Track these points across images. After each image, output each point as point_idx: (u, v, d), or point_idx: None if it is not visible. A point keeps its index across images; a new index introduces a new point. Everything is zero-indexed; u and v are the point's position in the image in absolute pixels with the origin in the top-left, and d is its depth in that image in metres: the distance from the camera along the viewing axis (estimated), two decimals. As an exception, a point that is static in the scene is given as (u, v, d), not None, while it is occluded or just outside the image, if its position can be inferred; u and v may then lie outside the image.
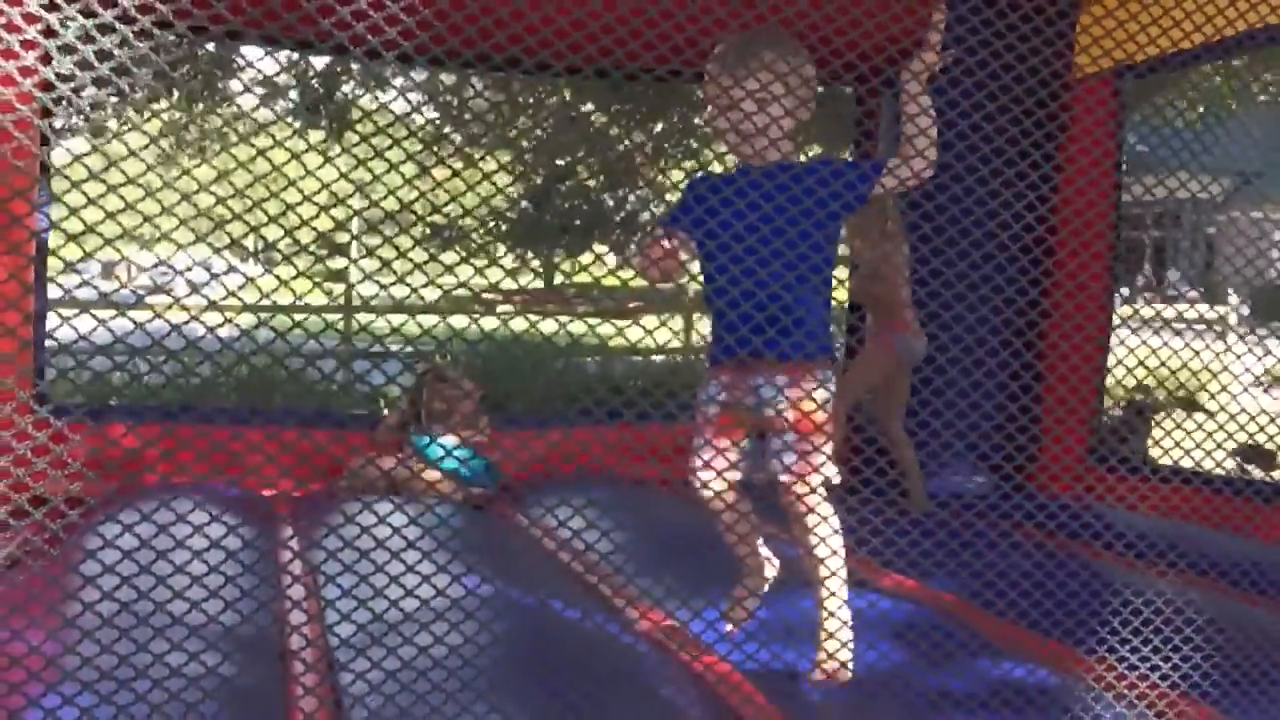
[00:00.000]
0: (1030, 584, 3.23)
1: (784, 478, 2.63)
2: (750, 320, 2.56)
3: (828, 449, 2.64)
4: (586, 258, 13.50)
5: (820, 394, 2.62)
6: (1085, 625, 3.13)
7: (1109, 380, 5.81)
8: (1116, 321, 5.58)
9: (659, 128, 12.56)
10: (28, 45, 1.66)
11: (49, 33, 1.73)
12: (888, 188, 2.58)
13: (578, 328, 10.78)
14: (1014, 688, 2.65)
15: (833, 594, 2.68)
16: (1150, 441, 6.84)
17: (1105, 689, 2.73)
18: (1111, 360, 5.72)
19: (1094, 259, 5.52)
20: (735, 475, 2.71)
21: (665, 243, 2.61)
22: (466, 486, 5.18)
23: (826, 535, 2.66)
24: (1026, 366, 4.99)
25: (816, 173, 2.57)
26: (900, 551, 3.99)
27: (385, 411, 5.73)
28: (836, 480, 2.67)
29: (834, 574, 2.67)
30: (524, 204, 12.82)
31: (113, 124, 9.94)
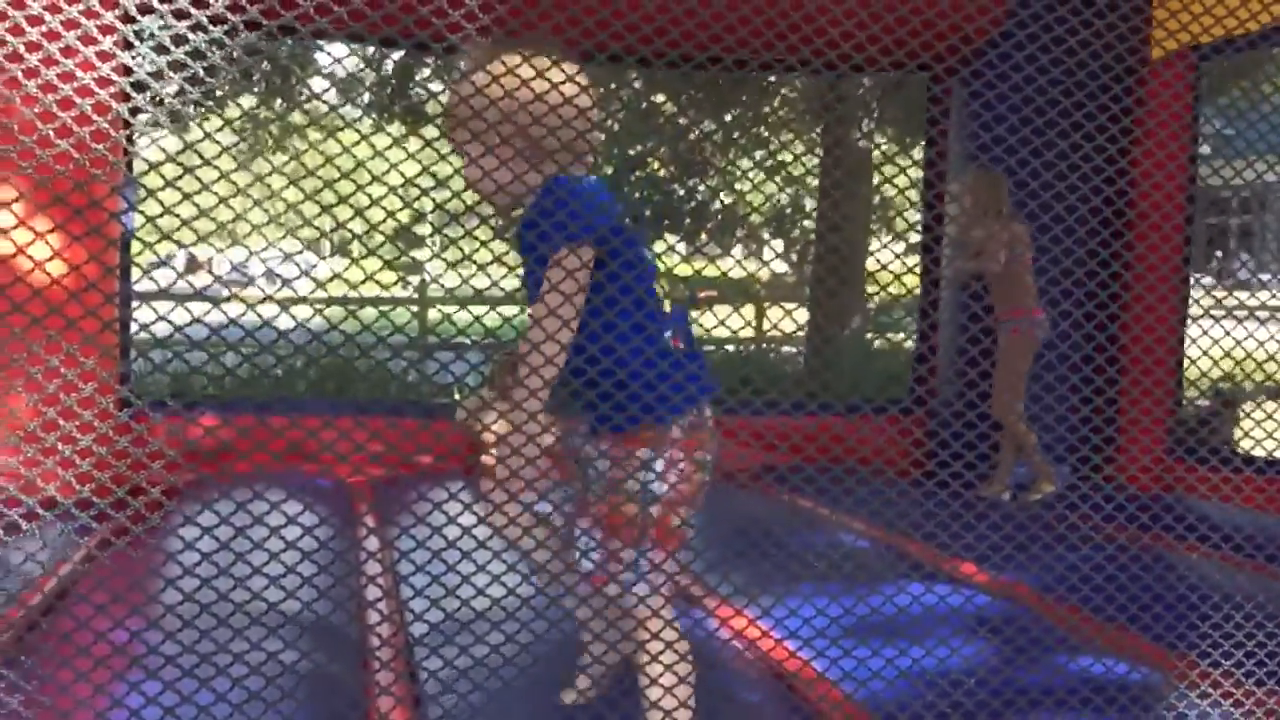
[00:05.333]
0: (1104, 577, 3.18)
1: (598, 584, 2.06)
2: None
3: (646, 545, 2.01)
4: (657, 247, 13.52)
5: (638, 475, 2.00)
6: (1167, 621, 3.07)
7: (1191, 370, 5.70)
8: (1198, 310, 5.48)
9: (729, 116, 12.51)
10: (106, 55, 1.69)
11: (128, 43, 1.76)
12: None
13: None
14: (1095, 683, 2.61)
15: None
16: (1238, 431, 6.70)
17: (1190, 686, 2.68)
18: (1194, 352, 5.61)
19: (1169, 243, 5.40)
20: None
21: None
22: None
23: (649, 659, 2.06)
24: (1107, 356, 4.91)
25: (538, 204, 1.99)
26: (976, 543, 3.95)
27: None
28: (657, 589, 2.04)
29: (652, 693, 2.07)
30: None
31: (195, 122, 10.14)
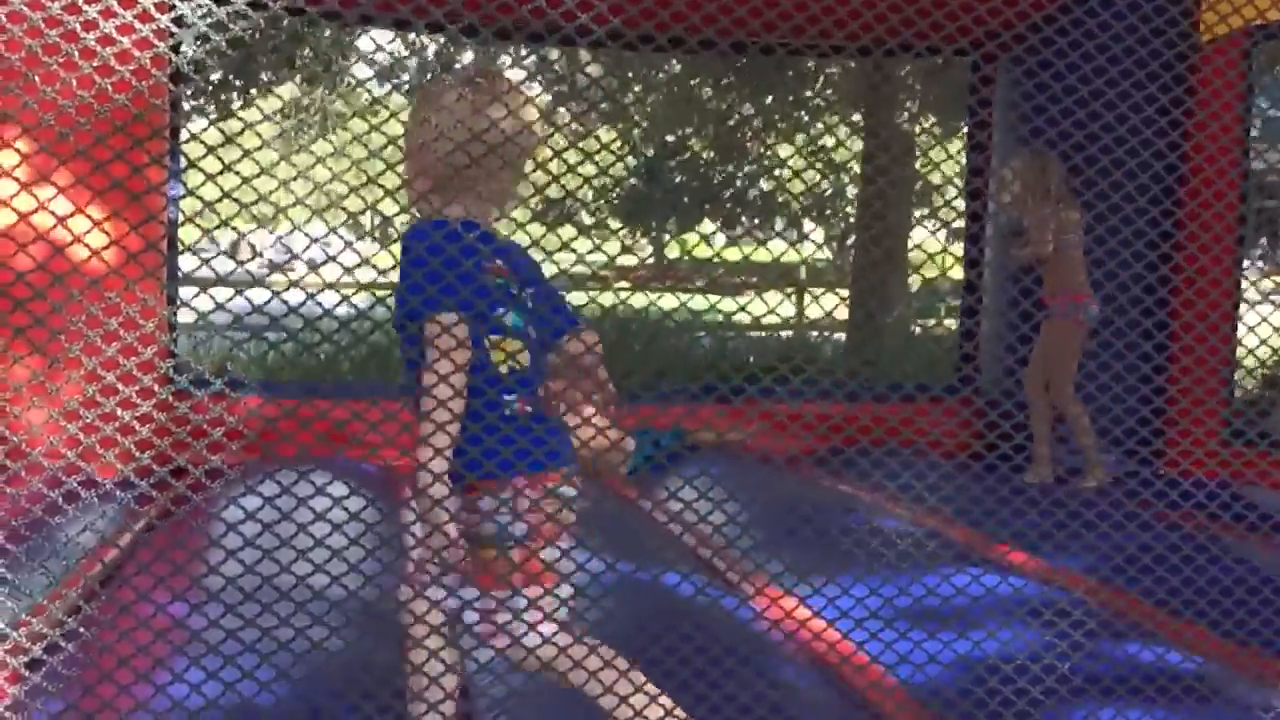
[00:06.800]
0: (1162, 564, 3.13)
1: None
2: None
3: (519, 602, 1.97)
4: (695, 234, 13.48)
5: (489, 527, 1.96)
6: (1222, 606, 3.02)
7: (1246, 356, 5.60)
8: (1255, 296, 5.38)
9: (769, 100, 12.43)
10: (159, 35, 1.69)
11: (177, 20, 1.75)
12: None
13: (694, 304, 10.77)
14: (1160, 673, 2.57)
15: None
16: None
17: (1246, 673, 2.63)
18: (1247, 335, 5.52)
19: (1223, 227, 5.30)
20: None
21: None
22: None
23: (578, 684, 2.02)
24: (1159, 338, 4.83)
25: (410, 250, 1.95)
26: (1025, 529, 3.90)
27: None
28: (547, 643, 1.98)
29: None
30: (633, 180, 12.82)
31: (238, 106, 10.20)
